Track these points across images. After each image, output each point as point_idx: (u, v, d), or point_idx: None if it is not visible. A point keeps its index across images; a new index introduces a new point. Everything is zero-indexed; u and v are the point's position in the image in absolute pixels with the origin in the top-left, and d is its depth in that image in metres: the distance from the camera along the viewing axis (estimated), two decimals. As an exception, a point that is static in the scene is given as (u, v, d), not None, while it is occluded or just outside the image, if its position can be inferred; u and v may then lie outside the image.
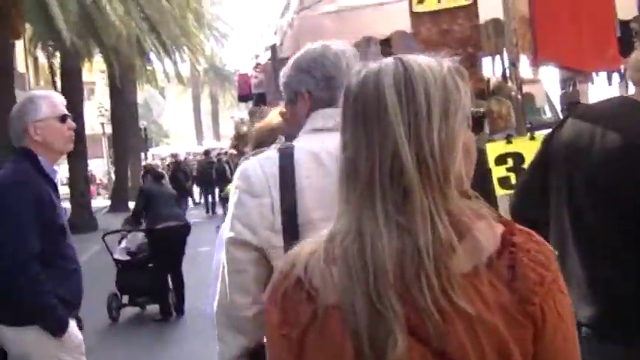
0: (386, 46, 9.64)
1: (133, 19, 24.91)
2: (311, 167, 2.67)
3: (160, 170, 13.00)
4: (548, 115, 15.94)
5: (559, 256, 3.16)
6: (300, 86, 2.88)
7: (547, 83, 12.59)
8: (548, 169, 3.35)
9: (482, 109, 7.20)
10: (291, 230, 2.60)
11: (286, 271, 1.72)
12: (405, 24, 7.44)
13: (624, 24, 6.45)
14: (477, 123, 6.56)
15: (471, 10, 6.50)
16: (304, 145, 2.75)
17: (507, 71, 7.45)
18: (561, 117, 12.27)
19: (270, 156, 2.75)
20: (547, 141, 3.46)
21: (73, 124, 4.47)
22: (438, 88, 1.59)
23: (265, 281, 2.22)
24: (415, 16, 6.80)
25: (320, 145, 2.67)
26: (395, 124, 1.57)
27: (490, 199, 4.77)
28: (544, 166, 3.39)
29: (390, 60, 1.63)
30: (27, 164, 4.28)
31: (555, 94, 12.82)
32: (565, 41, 5.58)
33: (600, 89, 12.73)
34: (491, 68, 10.03)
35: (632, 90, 3.38)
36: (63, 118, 4.40)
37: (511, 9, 6.39)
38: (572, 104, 11.79)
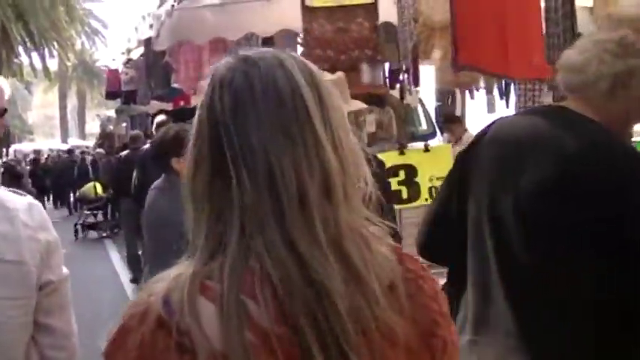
0: (268, 45, 9.27)
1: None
2: None
3: (18, 169, 12.23)
4: (424, 126, 15.82)
5: (483, 300, 2.56)
6: None
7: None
8: (464, 194, 2.65)
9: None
10: None
11: (140, 311, 1.32)
12: (293, 22, 7.04)
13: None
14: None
15: (372, 9, 6.09)
16: None
17: (404, 77, 7.04)
18: (437, 129, 12.16)
19: None
20: (461, 160, 2.76)
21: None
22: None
23: None
24: (308, 11, 6.29)
25: None
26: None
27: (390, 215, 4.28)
28: (458, 190, 2.69)
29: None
30: None
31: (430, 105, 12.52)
32: (489, 46, 5.19)
33: (478, 104, 12.62)
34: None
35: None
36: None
37: (407, 12, 6.04)
38: (449, 117, 11.61)
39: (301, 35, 9.52)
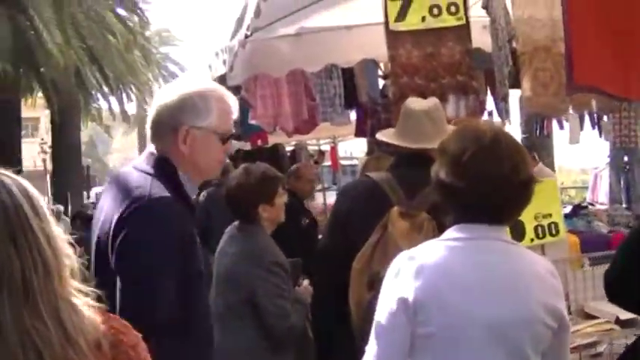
0: (349, 75, 8.79)
1: (73, 49, 23.66)
2: None
3: (89, 213, 11.94)
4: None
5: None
6: None
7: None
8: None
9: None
10: None
11: None
12: (374, 51, 6.52)
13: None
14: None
15: (464, 31, 5.50)
16: None
17: (499, 107, 6.39)
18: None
19: None
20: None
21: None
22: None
23: None
24: (393, 36, 5.69)
25: None
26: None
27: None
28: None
29: None
30: None
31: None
32: (607, 65, 4.54)
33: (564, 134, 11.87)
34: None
35: None
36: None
37: (501, 34, 5.46)
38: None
39: (382, 65, 9.05)
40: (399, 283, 2.42)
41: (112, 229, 2.84)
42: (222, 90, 3.17)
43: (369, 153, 9.77)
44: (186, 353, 2.82)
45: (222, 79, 10.16)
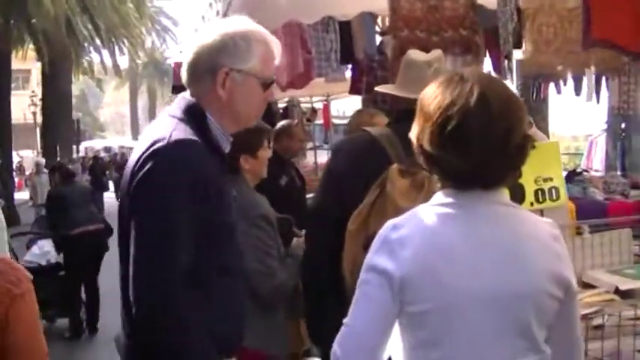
0: (346, 29, 8.56)
1: (64, -1, 23.47)
2: None
3: (69, 168, 11.70)
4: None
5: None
6: None
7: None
8: None
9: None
10: None
11: None
12: (374, 3, 6.30)
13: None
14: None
15: (469, -17, 5.30)
16: None
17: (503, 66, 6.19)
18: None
19: None
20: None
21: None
22: None
23: None
24: (394, -13, 5.50)
25: None
26: None
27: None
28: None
29: None
30: None
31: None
32: (626, 22, 4.36)
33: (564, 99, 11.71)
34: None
35: None
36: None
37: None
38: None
39: (379, 21, 8.82)
40: (383, 256, 2.19)
41: (130, 173, 2.71)
42: (266, 33, 2.93)
43: (363, 111, 9.59)
44: (211, 311, 2.68)
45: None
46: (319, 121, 16.34)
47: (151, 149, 2.65)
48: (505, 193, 2.32)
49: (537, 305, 2.17)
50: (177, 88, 15.87)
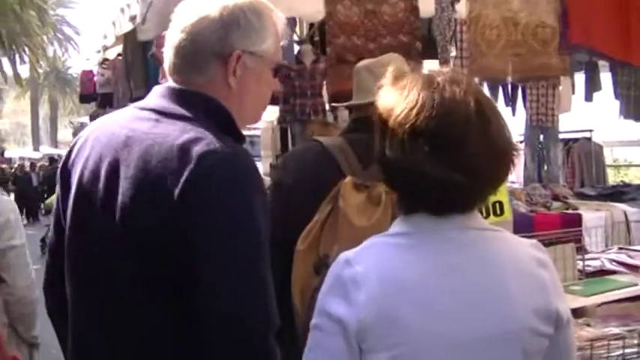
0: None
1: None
2: None
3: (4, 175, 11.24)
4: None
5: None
6: None
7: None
8: None
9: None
10: None
11: None
12: (306, 8, 6.02)
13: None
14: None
15: (408, -13, 5.06)
16: None
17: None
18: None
19: None
20: None
21: None
22: None
23: None
24: (329, -10, 5.22)
25: None
26: None
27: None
28: None
29: None
30: None
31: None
32: (606, 26, 4.19)
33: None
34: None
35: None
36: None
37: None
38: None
39: (297, 29, 8.55)
40: (336, 298, 1.84)
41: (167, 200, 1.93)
42: (272, 6, 2.27)
43: (280, 122, 9.31)
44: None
45: (127, 37, 9.52)
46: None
47: (206, 166, 1.94)
48: (478, 215, 2.00)
49: (525, 345, 1.86)
50: (85, 97, 15.39)
